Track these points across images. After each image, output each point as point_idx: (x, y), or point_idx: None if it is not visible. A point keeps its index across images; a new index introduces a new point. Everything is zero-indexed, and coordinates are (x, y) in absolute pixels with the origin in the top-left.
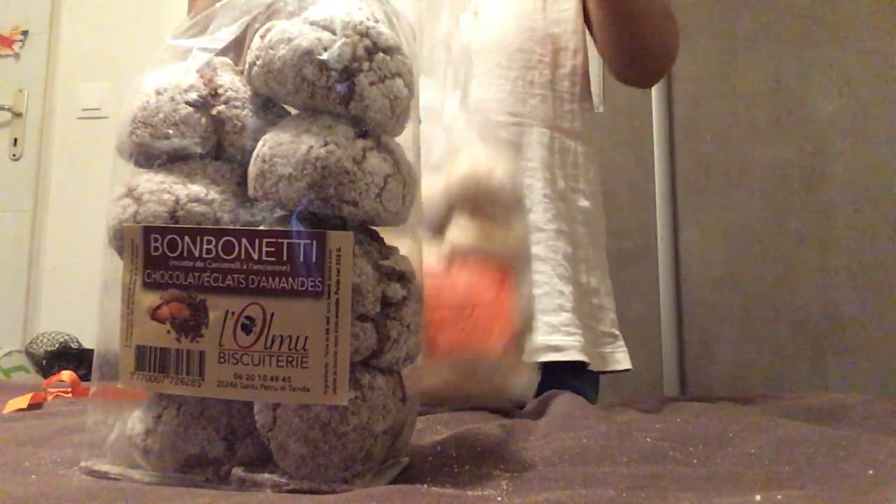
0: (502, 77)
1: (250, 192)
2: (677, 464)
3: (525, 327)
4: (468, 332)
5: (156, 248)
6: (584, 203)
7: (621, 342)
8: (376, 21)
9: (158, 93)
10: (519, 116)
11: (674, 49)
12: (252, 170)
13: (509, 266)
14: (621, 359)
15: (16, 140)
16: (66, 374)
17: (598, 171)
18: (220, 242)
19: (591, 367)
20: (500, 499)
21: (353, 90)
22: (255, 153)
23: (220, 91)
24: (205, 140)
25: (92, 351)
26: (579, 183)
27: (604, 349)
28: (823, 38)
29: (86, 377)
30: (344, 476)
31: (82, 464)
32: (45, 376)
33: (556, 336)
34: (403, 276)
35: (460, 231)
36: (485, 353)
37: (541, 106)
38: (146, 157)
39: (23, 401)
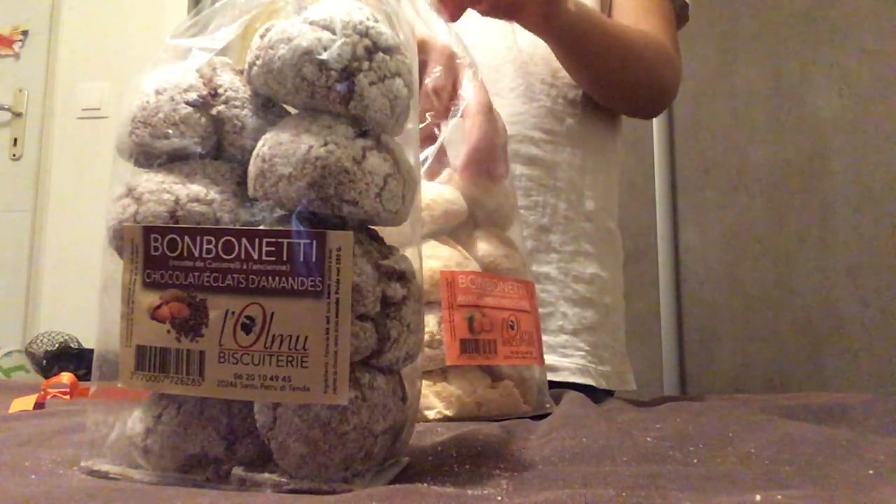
0: (544, 93)
1: (250, 191)
2: (677, 464)
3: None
4: (518, 341)
5: (156, 248)
6: (611, 224)
7: (629, 360)
8: (376, 21)
9: (158, 93)
10: (554, 135)
11: (655, 83)
12: (252, 169)
13: (530, 281)
14: (631, 378)
15: (16, 140)
16: (66, 377)
17: (618, 191)
18: (220, 242)
19: (608, 387)
20: (500, 499)
21: (353, 90)
22: (254, 153)
23: (220, 91)
24: (205, 140)
25: (92, 351)
26: (608, 204)
27: (623, 368)
28: (823, 38)
29: (86, 377)
30: (344, 476)
31: (82, 464)
32: (46, 376)
33: (551, 356)
34: (403, 276)
35: (491, 242)
36: (530, 362)
37: (578, 126)
38: (146, 156)
39: (28, 401)
